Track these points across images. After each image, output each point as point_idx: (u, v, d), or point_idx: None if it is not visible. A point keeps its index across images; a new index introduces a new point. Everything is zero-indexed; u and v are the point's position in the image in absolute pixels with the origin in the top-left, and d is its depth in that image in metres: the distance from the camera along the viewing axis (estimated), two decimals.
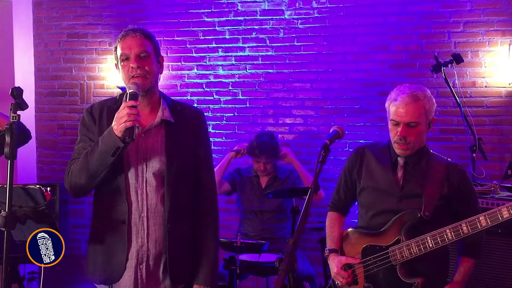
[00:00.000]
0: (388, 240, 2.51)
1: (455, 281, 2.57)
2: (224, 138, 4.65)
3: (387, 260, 2.50)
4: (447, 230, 2.39)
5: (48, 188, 3.56)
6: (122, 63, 2.31)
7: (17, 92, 2.30)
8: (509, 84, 4.03)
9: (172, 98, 2.50)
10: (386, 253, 2.51)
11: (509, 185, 3.37)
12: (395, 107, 2.50)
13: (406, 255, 2.46)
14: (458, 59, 3.81)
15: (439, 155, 2.68)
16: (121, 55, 2.30)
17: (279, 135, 4.49)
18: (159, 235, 2.32)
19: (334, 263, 2.62)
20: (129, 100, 2.18)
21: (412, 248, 2.44)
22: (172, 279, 2.34)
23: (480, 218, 2.34)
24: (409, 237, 2.46)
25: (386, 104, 2.59)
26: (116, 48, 2.35)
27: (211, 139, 4.58)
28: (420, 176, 2.53)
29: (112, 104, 2.38)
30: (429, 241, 2.42)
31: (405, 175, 2.56)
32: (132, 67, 2.27)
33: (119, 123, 2.15)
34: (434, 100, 2.56)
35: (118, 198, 2.31)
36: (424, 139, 2.57)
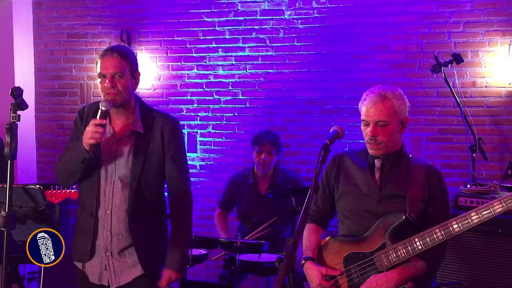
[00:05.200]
0: (372, 246, 2.42)
1: (396, 269, 2.38)
2: (224, 138, 4.65)
3: (373, 266, 2.40)
4: (437, 230, 2.31)
5: (74, 186, 3.56)
6: (99, 79, 2.58)
7: (17, 92, 2.31)
8: (509, 84, 4.03)
9: (152, 106, 2.80)
10: (371, 259, 2.41)
11: (509, 185, 3.37)
12: (365, 107, 2.49)
13: (393, 259, 2.36)
14: (458, 59, 3.81)
15: (417, 158, 2.65)
16: (99, 74, 2.58)
17: (279, 135, 4.48)
18: (122, 230, 2.59)
19: (314, 274, 2.48)
20: (99, 117, 2.46)
21: (400, 252, 2.35)
22: (143, 267, 2.62)
23: (472, 214, 2.27)
24: (394, 241, 2.38)
25: (359, 106, 2.56)
26: (97, 63, 2.61)
27: (210, 139, 4.63)
28: (399, 179, 2.49)
29: (98, 107, 2.60)
30: (418, 242, 2.33)
31: (382, 176, 2.52)
32: (106, 86, 2.53)
33: (85, 139, 2.45)
34: (405, 99, 2.52)
35: (90, 196, 2.61)
36: (397, 139, 2.52)
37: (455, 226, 2.30)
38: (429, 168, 2.54)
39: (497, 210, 2.24)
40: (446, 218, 2.37)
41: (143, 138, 2.63)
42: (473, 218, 2.27)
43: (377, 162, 2.54)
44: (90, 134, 2.42)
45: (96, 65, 2.60)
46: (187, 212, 2.75)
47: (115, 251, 2.60)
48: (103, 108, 2.47)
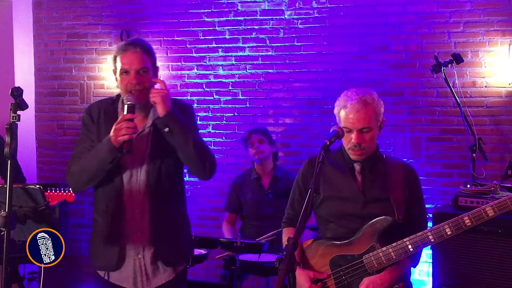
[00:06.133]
0: (361, 248, 2.43)
1: (387, 270, 2.42)
2: (224, 138, 4.65)
3: (363, 269, 2.42)
4: (429, 234, 2.35)
5: (66, 193, 3.51)
6: (121, 76, 2.42)
7: (17, 92, 2.30)
8: (509, 84, 4.03)
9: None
10: (360, 262, 2.42)
11: (509, 185, 3.37)
12: (345, 113, 2.47)
13: (383, 261, 2.39)
14: (458, 59, 3.81)
15: (391, 156, 2.68)
16: (121, 69, 2.41)
17: (279, 135, 4.49)
18: (152, 228, 2.46)
19: (302, 278, 2.47)
20: (127, 112, 2.31)
21: (390, 254, 2.38)
22: (168, 265, 2.51)
23: (464, 219, 2.31)
24: (383, 243, 2.41)
25: (335, 110, 2.55)
26: (115, 58, 2.44)
27: (210, 139, 4.63)
28: (380, 181, 2.51)
29: (108, 106, 2.53)
30: (409, 246, 2.36)
31: (364, 180, 2.53)
32: (132, 83, 2.38)
33: (117, 136, 2.27)
34: (381, 102, 2.53)
35: (114, 197, 2.45)
36: (375, 141, 2.55)
37: (447, 230, 2.34)
38: (406, 166, 2.59)
39: (490, 215, 2.29)
40: (426, 215, 2.51)
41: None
42: (466, 222, 2.32)
43: (357, 166, 2.55)
44: (123, 130, 2.26)
45: (115, 61, 2.44)
46: (208, 148, 2.53)
47: (147, 252, 2.47)
48: (130, 103, 2.33)
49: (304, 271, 2.50)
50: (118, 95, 2.53)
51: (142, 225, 2.45)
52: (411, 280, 2.58)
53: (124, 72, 2.40)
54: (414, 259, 2.51)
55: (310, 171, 2.59)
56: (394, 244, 2.39)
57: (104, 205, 2.48)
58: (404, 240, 2.38)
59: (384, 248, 2.40)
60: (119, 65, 2.41)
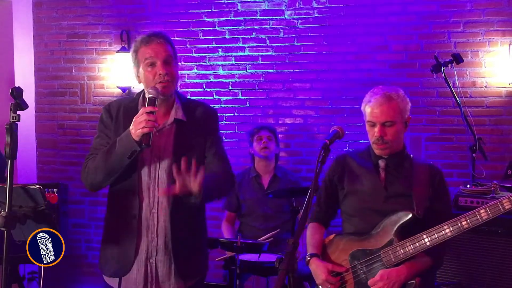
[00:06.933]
0: (380, 243, 2.47)
1: (405, 264, 2.43)
2: (224, 138, 4.63)
3: (380, 263, 2.44)
4: (445, 227, 2.36)
5: (55, 190, 3.50)
6: (147, 68, 2.37)
7: (17, 92, 2.30)
8: (509, 84, 4.03)
9: (188, 97, 2.57)
10: (378, 256, 2.46)
11: (509, 185, 3.37)
12: (370, 108, 2.53)
13: (401, 256, 2.41)
14: (458, 59, 3.81)
15: (418, 158, 2.71)
16: (145, 61, 2.36)
17: (279, 135, 4.49)
18: (167, 231, 2.38)
19: (319, 269, 2.51)
20: (148, 105, 2.27)
21: (407, 248, 2.40)
22: (180, 276, 2.40)
23: (481, 211, 2.32)
24: (401, 238, 2.43)
25: (362, 107, 2.60)
26: (136, 51, 2.40)
27: None
28: (404, 178, 2.55)
29: (129, 103, 2.48)
30: (426, 239, 2.37)
31: (387, 176, 2.57)
32: (161, 74, 2.33)
33: (136, 128, 2.23)
34: (408, 99, 2.58)
35: (130, 194, 2.38)
36: (401, 138, 2.59)
37: (464, 223, 2.34)
38: (431, 167, 2.63)
39: (506, 207, 2.29)
40: (451, 215, 2.44)
41: (186, 127, 2.43)
42: (482, 214, 2.32)
43: (381, 163, 2.59)
44: (143, 123, 2.20)
45: (136, 54, 2.39)
46: (226, 174, 2.48)
47: (159, 258, 2.38)
48: (151, 95, 2.28)
49: (322, 262, 2.54)
50: (138, 94, 2.50)
51: (158, 227, 2.37)
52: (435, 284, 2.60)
53: (150, 63, 2.35)
54: (436, 259, 2.49)
55: (337, 169, 2.68)
56: (411, 238, 2.40)
57: (119, 204, 2.42)
58: (421, 233, 2.39)
59: (401, 242, 2.42)
60: (143, 57, 2.37)
